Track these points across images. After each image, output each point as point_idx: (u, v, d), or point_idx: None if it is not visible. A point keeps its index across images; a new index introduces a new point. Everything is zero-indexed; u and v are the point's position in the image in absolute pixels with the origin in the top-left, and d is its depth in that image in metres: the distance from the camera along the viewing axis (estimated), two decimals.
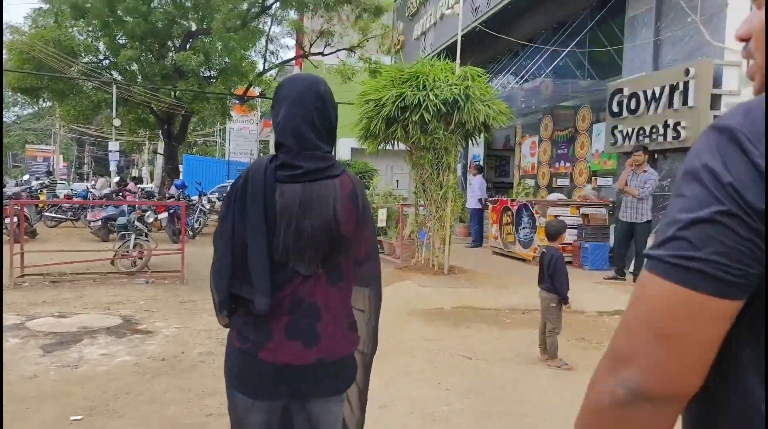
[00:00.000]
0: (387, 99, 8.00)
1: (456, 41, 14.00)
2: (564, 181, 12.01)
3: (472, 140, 9.02)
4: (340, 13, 21.98)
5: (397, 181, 21.85)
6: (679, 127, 7.95)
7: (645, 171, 8.10)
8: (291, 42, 27.60)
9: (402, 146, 9.20)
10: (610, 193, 10.29)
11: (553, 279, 4.89)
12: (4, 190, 14.96)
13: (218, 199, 19.58)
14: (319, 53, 22.75)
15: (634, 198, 8.06)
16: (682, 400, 0.75)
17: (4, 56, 19.36)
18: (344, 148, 22.55)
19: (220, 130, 44.09)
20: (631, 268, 8.36)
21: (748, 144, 0.69)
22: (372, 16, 21.31)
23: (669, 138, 8.14)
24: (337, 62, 22.93)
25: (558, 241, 5.10)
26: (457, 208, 8.84)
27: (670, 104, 8.13)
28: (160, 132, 24.49)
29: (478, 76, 8.29)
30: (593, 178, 10.79)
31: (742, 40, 0.85)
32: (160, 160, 30.17)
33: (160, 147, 28.04)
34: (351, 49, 22.50)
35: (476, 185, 12.65)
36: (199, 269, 8.57)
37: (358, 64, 22.59)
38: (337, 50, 22.52)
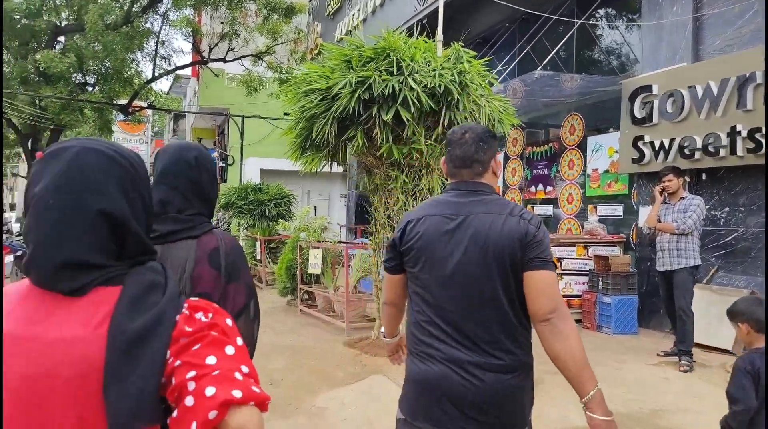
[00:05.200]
0: (343, 88, 5.09)
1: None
2: (544, 210, 9.52)
3: None
4: (245, 12, 18.82)
5: (315, 208, 18.78)
6: (758, 135, 5.59)
7: (683, 198, 5.67)
8: (187, 46, 24.07)
9: (334, 167, 6.31)
10: (621, 227, 7.87)
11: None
12: None
13: None
14: (220, 59, 19.40)
15: (672, 237, 5.59)
16: None
17: None
18: (253, 169, 19.24)
19: None
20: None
21: None
22: (283, 18, 18.28)
23: (740, 151, 5.77)
24: (242, 71, 19.70)
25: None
26: None
27: (739, 103, 5.79)
28: (21, 150, 20.11)
29: (473, 58, 5.57)
30: (591, 207, 8.37)
31: None
32: (22, 186, 25.29)
33: (23, 168, 23.31)
34: (258, 56, 19.33)
35: None
36: None
37: (266, 74, 19.47)
38: (242, 57, 19.26)
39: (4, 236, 13.92)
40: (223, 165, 21.12)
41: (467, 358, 1.74)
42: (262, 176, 18.82)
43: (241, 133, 19.92)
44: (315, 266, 8.13)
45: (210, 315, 1.04)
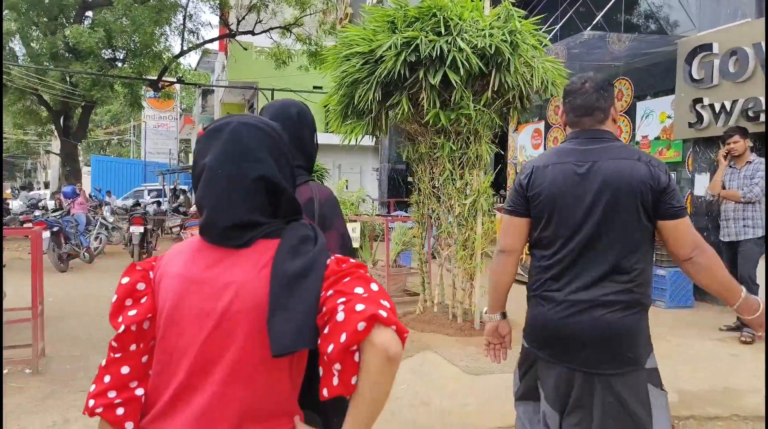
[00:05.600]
0: (387, 50, 4.81)
1: None
2: None
3: (503, 119, 5.92)
4: None
5: (347, 181, 18.55)
6: None
7: (749, 162, 5.31)
8: (215, 19, 23.82)
9: (366, 140, 5.99)
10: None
11: None
12: None
13: (131, 206, 15.78)
14: (248, 32, 19.14)
15: (738, 205, 5.25)
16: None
17: None
18: None
19: (134, 127, 39.34)
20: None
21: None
22: None
23: None
24: (270, 44, 19.40)
25: None
26: (494, 226, 5.74)
27: None
28: (54, 128, 20.22)
29: (523, 17, 5.23)
30: None
31: None
32: (55, 163, 25.46)
33: (55, 145, 23.46)
34: (286, 28, 19.00)
35: None
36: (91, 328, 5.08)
37: (295, 46, 19.15)
38: (270, 29, 18.96)
39: (40, 213, 14.03)
40: None
41: (587, 297, 1.87)
42: None
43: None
44: (353, 240, 7.93)
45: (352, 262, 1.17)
